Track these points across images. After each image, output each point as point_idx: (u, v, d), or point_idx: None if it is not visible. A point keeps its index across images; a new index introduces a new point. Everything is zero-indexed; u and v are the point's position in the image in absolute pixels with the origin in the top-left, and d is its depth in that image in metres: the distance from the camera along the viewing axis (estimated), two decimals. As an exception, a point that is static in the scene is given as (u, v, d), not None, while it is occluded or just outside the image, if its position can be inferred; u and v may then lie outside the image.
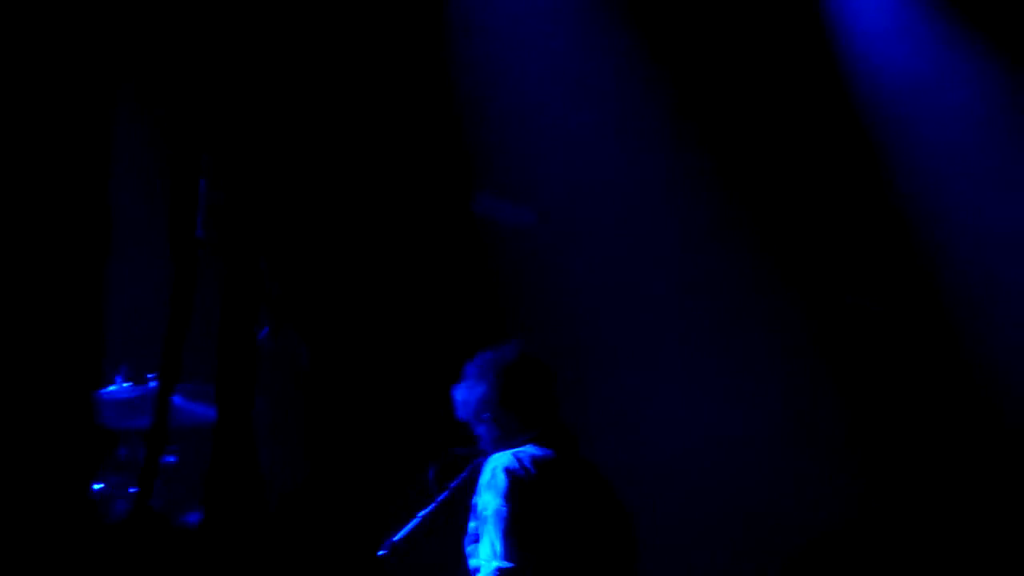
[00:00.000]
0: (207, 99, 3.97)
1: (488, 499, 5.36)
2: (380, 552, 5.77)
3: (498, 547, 5.25)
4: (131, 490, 6.44)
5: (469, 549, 5.51)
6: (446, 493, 5.85)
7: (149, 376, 6.62)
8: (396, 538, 5.79)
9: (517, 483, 5.34)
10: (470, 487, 5.70)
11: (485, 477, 5.42)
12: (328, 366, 7.83)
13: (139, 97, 7.58)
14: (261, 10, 4.16)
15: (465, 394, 5.70)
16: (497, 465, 5.40)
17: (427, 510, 5.82)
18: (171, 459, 6.65)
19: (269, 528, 3.77)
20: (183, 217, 3.83)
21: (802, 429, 8.31)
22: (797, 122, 8.50)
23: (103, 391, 6.64)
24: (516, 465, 5.39)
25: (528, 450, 5.50)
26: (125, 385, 6.66)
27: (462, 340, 7.93)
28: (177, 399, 6.50)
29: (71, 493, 3.27)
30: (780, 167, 8.50)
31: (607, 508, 5.59)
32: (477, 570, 5.40)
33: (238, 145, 3.97)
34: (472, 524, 5.50)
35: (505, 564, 5.23)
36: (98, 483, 6.41)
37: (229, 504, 3.60)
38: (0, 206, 3.32)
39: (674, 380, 8.39)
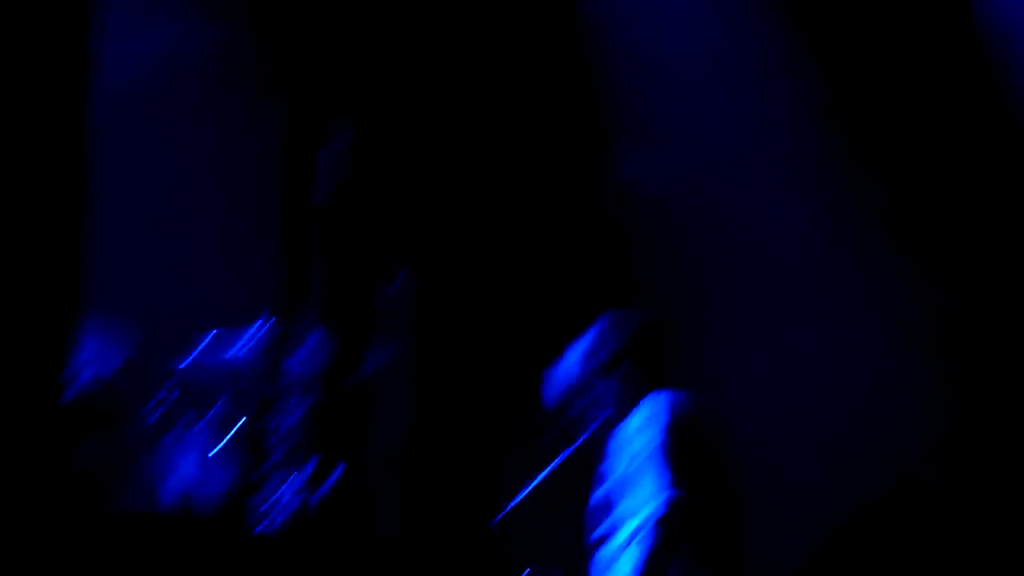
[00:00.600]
0: (333, 67, 3.96)
1: (645, 438, 5.37)
2: (494, 519, 5.78)
3: (663, 479, 5.25)
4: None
5: (595, 518, 5.50)
6: (561, 459, 5.85)
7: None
8: (510, 505, 5.80)
9: (674, 421, 5.38)
10: (586, 453, 5.70)
11: (637, 420, 5.44)
12: (448, 326, 7.85)
13: (265, 66, 7.68)
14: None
15: (587, 357, 5.69)
16: (651, 405, 5.45)
17: (542, 477, 5.83)
18: (296, 415, 6.69)
19: (377, 493, 3.78)
20: (299, 183, 3.84)
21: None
22: (939, 100, 8.31)
23: (226, 352, 6.73)
24: (669, 406, 5.43)
25: (668, 396, 5.52)
26: (249, 347, 6.72)
27: (587, 302, 7.97)
28: (302, 357, 6.56)
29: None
30: (922, 138, 8.33)
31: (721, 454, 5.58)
32: (616, 528, 5.38)
33: (363, 112, 3.96)
34: (602, 490, 5.49)
35: (676, 492, 5.21)
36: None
37: (337, 461, 3.61)
38: None
39: (808, 345, 8.32)
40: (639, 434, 5.40)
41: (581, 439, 5.80)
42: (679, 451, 5.32)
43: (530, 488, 5.79)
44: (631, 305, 6.10)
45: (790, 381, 8.26)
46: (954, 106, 8.25)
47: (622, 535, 5.40)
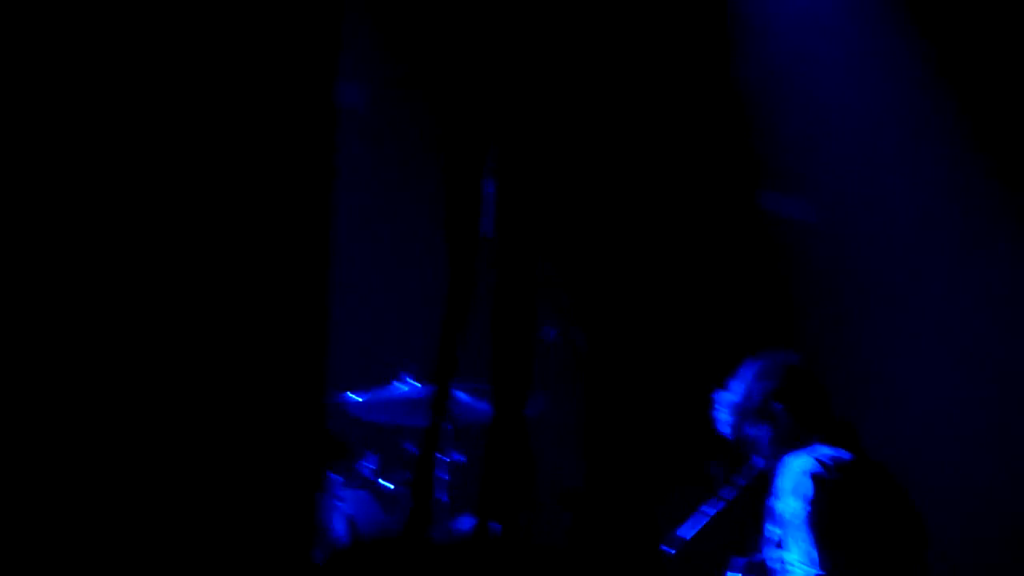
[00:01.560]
0: (493, 95, 3.99)
1: (793, 504, 5.23)
2: (665, 547, 5.74)
3: (812, 554, 5.15)
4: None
5: (769, 553, 5.42)
6: (734, 491, 5.77)
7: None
8: (684, 535, 5.74)
9: (823, 487, 5.21)
10: (758, 485, 5.63)
11: (787, 481, 5.28)
12: (610, 361, 7.84)
13: (421, 93, 7.75)
14: (545, 6, 4.17)
15: (743, 394, 5.60)
16: (800, 469, 5.27)
17: (716, 508, 5.76)
18: (460, 458, 6.70)
19: (541, 527, 3.79)
20: (461, 213, 3.86)
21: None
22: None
23: (391, 390, 6.77)
24: (819, 468, 5.25)
25: (824, 450, 5.36)
26: (413, 384, 6.75)
27: (743, 332, 7.94)
28: (464, 397, 6.58)
29: (297, 501, 3.30)
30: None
31: (899, 504, 5.45)
32: (783, 573, 5.32)
33: (523, 142, 3.98)
34: (771, 528, 5.41)
35: (820, 573, 5.13)
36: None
37: (501, 505, 3.62)
38: (222, 208, 3.35)
39: (959, 377, 8.21)
40: (789, 496, 5.28)
41: (742, 480, 5.74)
42: (825, 525, 5.19)
43: (706, 519, 5.74)
44: (785, 344, 6.03)
45: (949, 414, 8.17)
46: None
47: None
